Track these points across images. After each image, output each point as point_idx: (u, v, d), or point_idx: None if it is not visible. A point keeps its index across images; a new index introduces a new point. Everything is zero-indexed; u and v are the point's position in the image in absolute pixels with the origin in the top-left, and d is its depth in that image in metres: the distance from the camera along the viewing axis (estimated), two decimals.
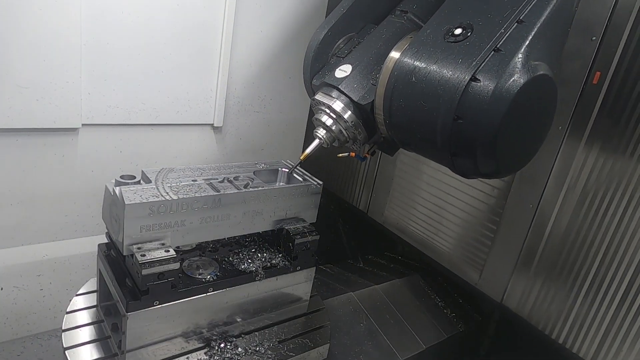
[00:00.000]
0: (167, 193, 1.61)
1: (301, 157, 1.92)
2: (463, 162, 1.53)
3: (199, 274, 1.77)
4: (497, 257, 2.38)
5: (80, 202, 2.57)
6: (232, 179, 1.85)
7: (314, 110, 1.96)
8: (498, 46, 1.43)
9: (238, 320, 1.88)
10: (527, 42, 1.43)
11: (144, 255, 1.52)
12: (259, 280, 1.85)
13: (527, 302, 2.27)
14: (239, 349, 1.82)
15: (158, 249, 1.57)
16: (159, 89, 2.58)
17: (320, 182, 2.01)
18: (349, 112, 1.83)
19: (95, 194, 2.58)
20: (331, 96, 1.84)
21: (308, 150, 1.91)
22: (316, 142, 1.90)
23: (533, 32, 1.43)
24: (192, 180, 1.76)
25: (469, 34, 1.51)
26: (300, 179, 2.01)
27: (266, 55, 2.95)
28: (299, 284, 2.02)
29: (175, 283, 1.61)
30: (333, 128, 1.87)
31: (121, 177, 1.64)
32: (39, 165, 2.36)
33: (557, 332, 2.16)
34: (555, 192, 2.11)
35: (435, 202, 2.67)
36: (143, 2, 2.39)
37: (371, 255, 3.16)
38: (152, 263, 1.51)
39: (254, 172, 1.97)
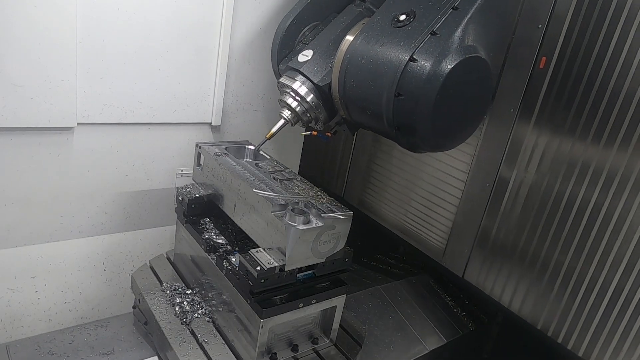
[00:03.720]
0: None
1: (267, 136, 2.08)
2: (406, 135, 1.68)
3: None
4: (458, 235, 2.53)
5: (75, 202, 2.51)
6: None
7: (280, 93, 2.11)
8: (435, 30, 1.58)
9: None
10: (461, 26, 1.58)
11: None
12: None
13: (487, 278, 2.42)
14: None
15: None
16: (156, 87, 2.52)
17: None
18: (311, 95, 1.98)
19: (91, 194, 2.53)
20: (294, 79, 1.99)
21: (274, 129, 2.07)
22: (281, 122, 2.06)
23: (467, 18, 1.59)
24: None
25: (411, 20, 1.67)
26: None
27: (265, 53, 2.81)
28: None
29: None
30: (297, 109, 2.03)
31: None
32: (33, 165, 2.31)
33: (508, 301, 2.33)
34: (508, 171, 2.26)
35: (404, 184, 2.82)
36: None
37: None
38: None
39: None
